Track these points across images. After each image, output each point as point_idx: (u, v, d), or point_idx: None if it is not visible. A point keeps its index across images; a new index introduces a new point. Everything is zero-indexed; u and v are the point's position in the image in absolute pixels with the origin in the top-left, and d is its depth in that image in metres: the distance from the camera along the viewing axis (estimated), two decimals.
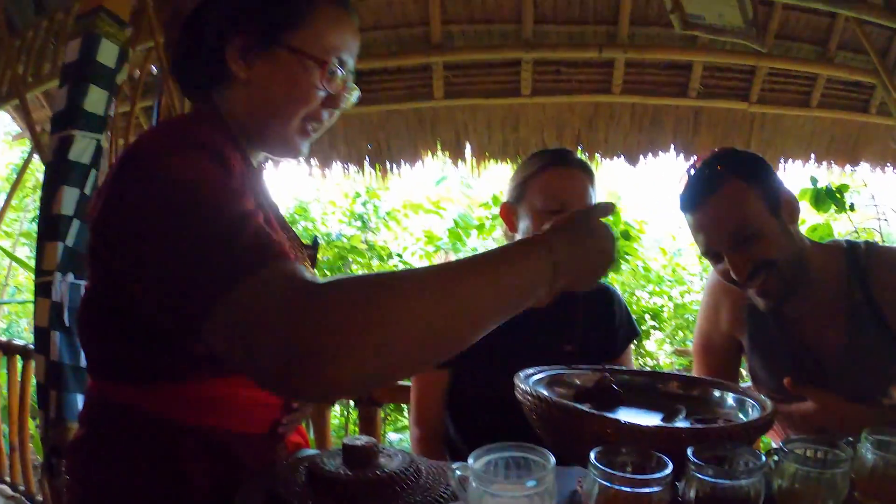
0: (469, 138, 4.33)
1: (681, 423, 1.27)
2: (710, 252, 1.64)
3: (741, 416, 1.29)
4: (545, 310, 1.92)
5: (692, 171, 1.64)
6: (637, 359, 5.61)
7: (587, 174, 1.85)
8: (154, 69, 3.61)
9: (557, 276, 0.96)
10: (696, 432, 1.06)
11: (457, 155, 4.36)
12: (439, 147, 4.35)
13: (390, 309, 0.77)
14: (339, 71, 1.21)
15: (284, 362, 0.73)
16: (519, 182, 1.89)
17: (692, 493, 0.91)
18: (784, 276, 1.59)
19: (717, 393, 1.39)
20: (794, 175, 4.80)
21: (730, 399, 1.36)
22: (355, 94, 1.30)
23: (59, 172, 2.26)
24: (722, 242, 1.58)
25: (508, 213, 1.93)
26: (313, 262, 1.37)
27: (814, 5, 3.66)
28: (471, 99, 4.17)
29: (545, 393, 1.22)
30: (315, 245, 1.42)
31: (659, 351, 6.11)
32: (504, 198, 1.97)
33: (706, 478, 0.90)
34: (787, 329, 1.74)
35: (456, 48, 3.96)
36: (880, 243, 2.12)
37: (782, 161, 4.66)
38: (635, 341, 2.26)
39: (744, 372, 2.04)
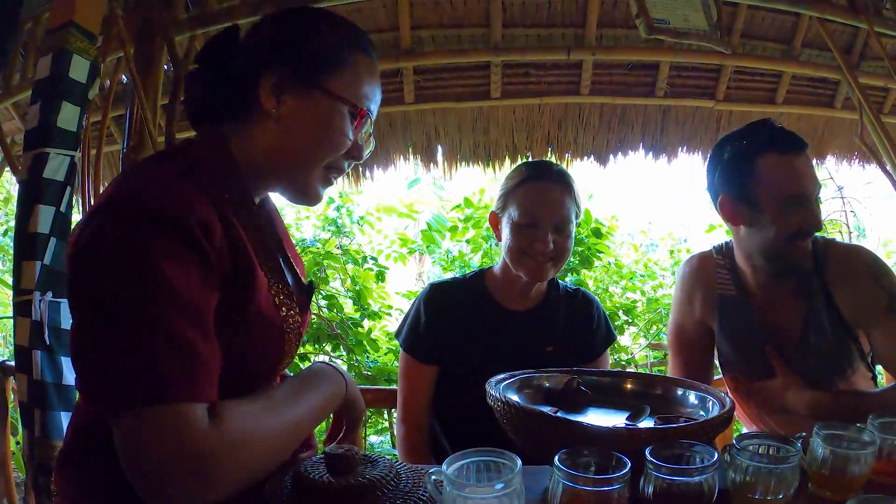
0: (440, 141, 4.37)
1: (646, 422, 1.34)
2: (799, 195, 1.73)
3: (702, 413, 1.35)
4: (528, 313, 2.00)
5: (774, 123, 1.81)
6: (612, 354, 5.68)
7: (564, 187, 1.91)
8: (125, 78, 3.61)
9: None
10: (655, 432, 1.12)
11: (428, 158, 4.40)
12: (411, 151, 4.38)
13: (258, 446, 0.99)
14: (369, 120, 1.22)
15: (159, 489, 0.89)
16: (502, 194, 1.98)
17: (650, 490, 0.98)
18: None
19: (679, 391, 1.46)
20: None
21: (692, 397, 1.43)
22: (372, 145, 1.32)
23: (35, 191, 2.26)
24: (812, 191, 1.74)
25: (495, 222, 2.01)
26: (305, 308, 1.34)
27: (778, 6, 3.74)
28: (441, 103, 4.20)
29: (514, 398, 1.28)
30: (310, 290, 1.40)
31: (634, 345, 6.19)
32: (492, 207, 2.04)
33: (662, 476, 0.96)
34: (754, 315, 1.87)
35: (426, 53, 3.98)
36: (846, 233, 2.25)
37: None
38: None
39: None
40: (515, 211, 1.89)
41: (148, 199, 0.97)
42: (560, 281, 2.12)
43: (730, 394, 1.98)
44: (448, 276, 2.24)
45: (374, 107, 1.24)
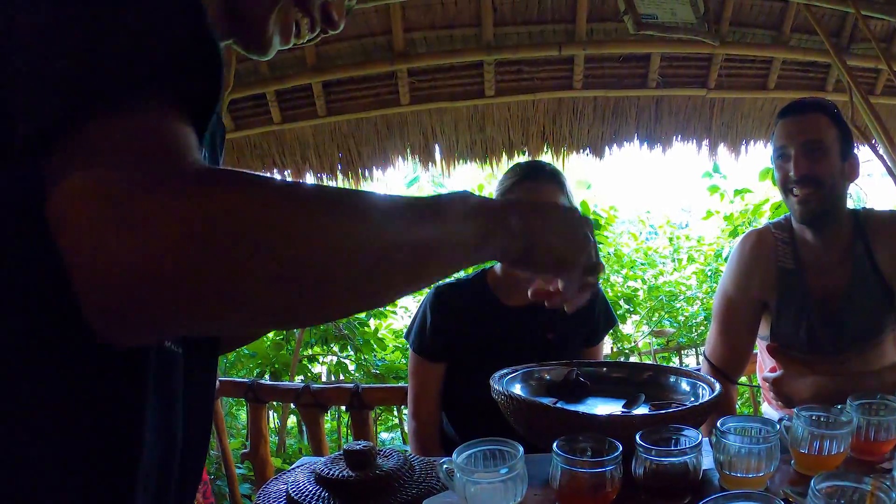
0: (437, 140, 4.44)
1: (641, 409, 1.42)
2: (784, 150, 1.95)
3: (693, 398, 1.44)
4: (528, 306, 2.09)
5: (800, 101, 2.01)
6: (616, 343, 5.75)
7: (557, 185, 1.99)
8: None
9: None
10: (646, 418, 1.21)
11: (426, 157, 4.47)
12: (409, 151, 4.45)
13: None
14: None
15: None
16: (498, 195, 2.05)
17: (640, 471, 1.07)
18: (824, 199, 1.91)
19: (672, 378, 1.54)
20: (756, 155, 4.94)
21: (684, 384, 1.51)
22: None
23: None
24: (797, 144, 1.92)
25: None
26: None
27: None
28: (437, 103, 4.27)
29: (517, 392, 1.36)
30: None
31: (637, 333, 6.26)
32: None
33: (651, 457, 1.05)
34: (808, 284, 2.02)
35: (419, 55, 4.06)
36: None
37: (744, 143, 4.79)
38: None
39: None
40: None
41: None
42: None
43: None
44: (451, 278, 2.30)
45: None
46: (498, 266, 2.15)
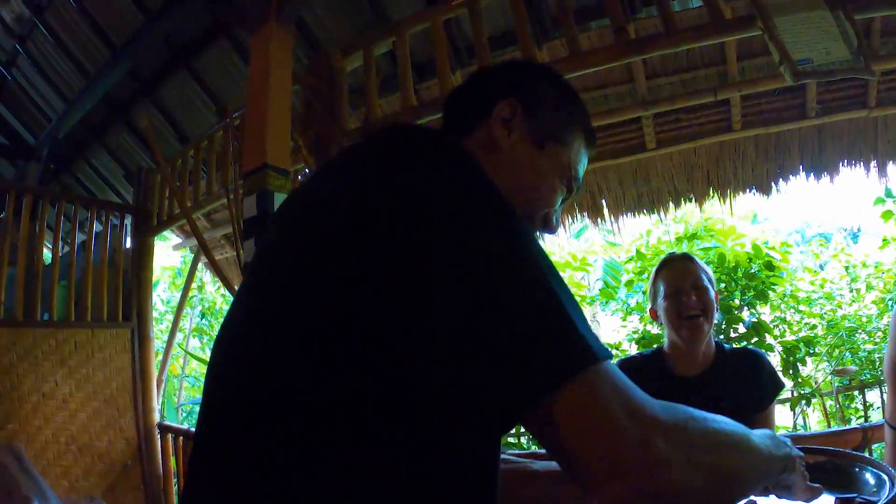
0: (604, 196, 4.51)
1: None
2: None
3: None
4: (700, 376, 2.27)
5: None
6: (795, 387, 5.49)
7: (689, 260, 2.35)
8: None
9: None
10: None
11: (595, 214, 4.53)
12: (577, 209, 4.52)
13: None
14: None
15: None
16: (650, 290, 2.40)
17: None
18: None
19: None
20: None
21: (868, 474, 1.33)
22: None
23: None
24: None
25: (654, 314, 2.40)
26: None
27: None
28: (601, 161, 4.37)
29: None
30: None
31: (817, 372, 5.95)
32: (649, 306, 2.45)
33: None
34: None
35: None
36: None
37: None
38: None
39: None
40: (661, 287, 2.29)
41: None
42: (726, 345, 2.37)
43: None
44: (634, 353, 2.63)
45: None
46: (666, 344, 2.34)
